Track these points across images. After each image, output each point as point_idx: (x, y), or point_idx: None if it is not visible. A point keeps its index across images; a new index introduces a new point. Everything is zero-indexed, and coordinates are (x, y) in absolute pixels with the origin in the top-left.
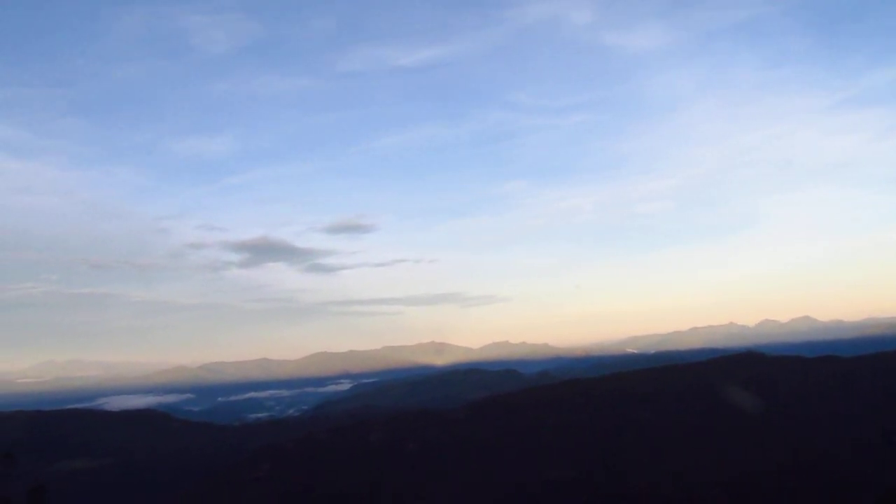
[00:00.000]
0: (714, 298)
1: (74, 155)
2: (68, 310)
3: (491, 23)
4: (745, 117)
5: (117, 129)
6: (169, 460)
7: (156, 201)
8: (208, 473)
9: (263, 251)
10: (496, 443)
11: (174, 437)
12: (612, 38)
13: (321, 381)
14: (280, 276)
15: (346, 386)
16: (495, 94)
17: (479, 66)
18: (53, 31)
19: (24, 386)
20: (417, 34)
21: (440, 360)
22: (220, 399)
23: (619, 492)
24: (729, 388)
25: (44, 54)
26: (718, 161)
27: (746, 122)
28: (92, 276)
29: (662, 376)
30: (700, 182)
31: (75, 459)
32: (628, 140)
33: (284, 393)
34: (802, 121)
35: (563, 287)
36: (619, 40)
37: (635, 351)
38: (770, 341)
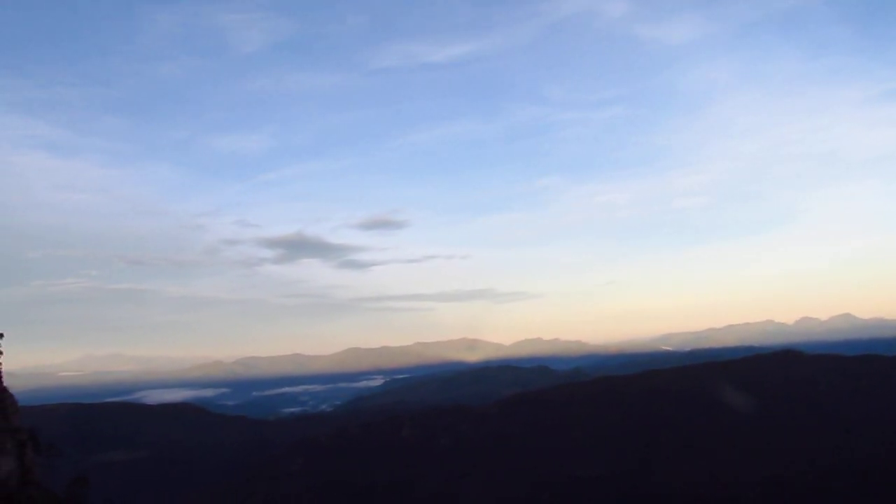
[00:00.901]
0: (751, 295)
1: (113, 153)
2: (107, 305)
3: (524, 17)
4: (784, 110)
5: (154, 127)
6: (205, 453)
7: (192, 198)
8: (244, 466)
9: (297, 247)
10: (528, 439)
11: (210, 430)
12: (647, 31)
13: (354, 376)
14: (314, 272)
15: (378, 381)
16: (529, 89)
17: (512, 61)
18: (91, 32)
19: (66, 379)
20: (450, 30)
21: (472, 357)
22: (254, 393)
23: (652, 490)
24: (766, 387)
25: (82, 55)
26: (757, 155)
27: (786, 115)
28: (130, 272)
29: (697, 374)
30: (738, 176)
31: (115, 451)
32: (664, 134)
33: (318, 388)
34: (844, 113)
35: (596, 283)
36: (653, 33)
37: (670, 348)
38: (809, 339)
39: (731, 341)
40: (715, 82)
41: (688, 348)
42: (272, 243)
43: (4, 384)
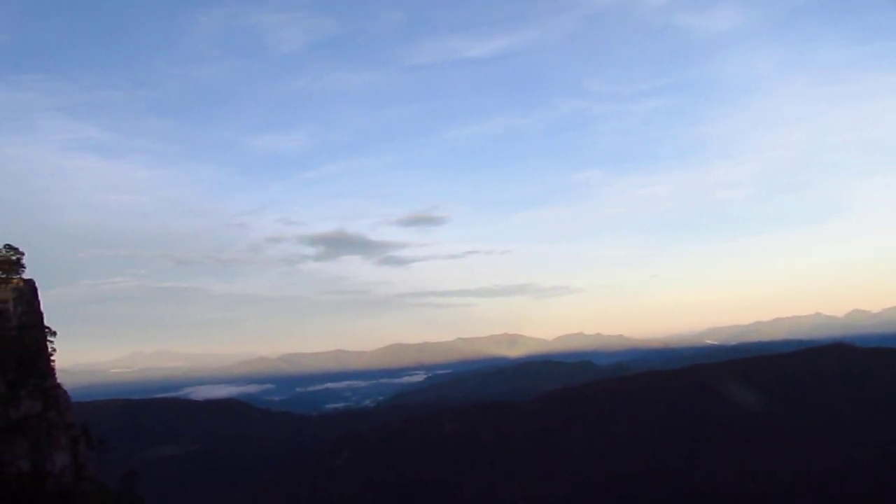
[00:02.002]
0: (799, 288)
1: (158, 154)
2: (155, 303)
3: (562, 9)
4: (831, 97)
5: (197, 127)
6: (251, 448)
7: (235, 197)
8: (289, 461)
9: (338, 244)
10: (571, 435)
11: (255, 426)
12: (688, 20)
13: (396, 372)
14: (355, 269)
15: (420, 377)
16: (568, 82)
17: (550, 54)
18: (134, 36)
19: (116, 375)
20: (488, 24)
21: (513, 352)
22: (298, 389)
23: (698, 488)
24: (816, 381)
25: (126, 58)
26: (803, 144)
27: (833, 102)
28: (176, 270)
29: (744, 369)
30: (784, 166)
31: (164, 446)
32: (707, 124)
33: (360, 384)
34: (894, 99)
35: (639, 277)
36: (695, 21)
37: (715, 342)
38: (860, 332)
39: (779, 335)
40: (759, 70)
41: (734, 342)
42: (314, 240)
43: (58, 381)
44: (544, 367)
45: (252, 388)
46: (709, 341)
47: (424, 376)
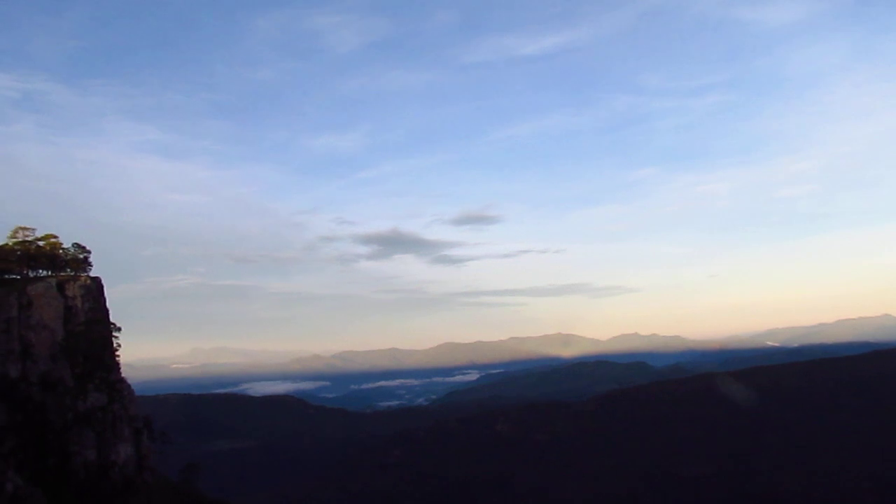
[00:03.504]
0: (866, 288)
1: (218, 154)
2: (214, 300)
3: (617, 5)
4: None
5: (256, 129)
6: (306, 444)
7: (292, 197)
8: (343, 457)
9: (392, 243)
10: (626, 437)
11: (310, 422)
12: (747, 13)
13: (449, 370)
14: (408, 268)
15: (473, 376)
16: (624, 79)
17: (605, 50)
18: (195, 40)
19: (177, 371)
20: (542, 22)
21: (567, 352)
22: (352, 387)
23: (758, 492)
24: (884, 385)
25: (188, 62)
26: (871, 139)
27: None
28: (235, 268)
29: (807, 371)
30: (850, 162)
31: (222, 440)
32: (768, 120)
33: (414, 382)
34: None
35: (696, 277)
36: (754, 14)
37: (776, 344)
38: None
39: (844, 337)
40: (823, 64)
41: (796, 344)
42: (368, 239)
43: (122, 375)
44: (598, 367)
45: (307, 385)
46: (769, 343)
47: (477, 375)
